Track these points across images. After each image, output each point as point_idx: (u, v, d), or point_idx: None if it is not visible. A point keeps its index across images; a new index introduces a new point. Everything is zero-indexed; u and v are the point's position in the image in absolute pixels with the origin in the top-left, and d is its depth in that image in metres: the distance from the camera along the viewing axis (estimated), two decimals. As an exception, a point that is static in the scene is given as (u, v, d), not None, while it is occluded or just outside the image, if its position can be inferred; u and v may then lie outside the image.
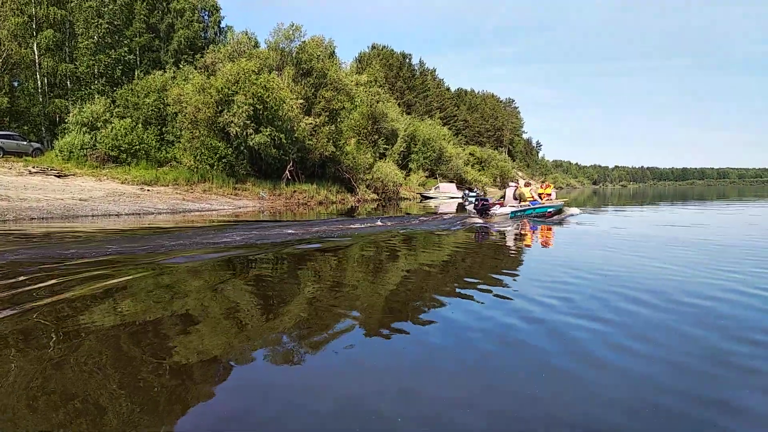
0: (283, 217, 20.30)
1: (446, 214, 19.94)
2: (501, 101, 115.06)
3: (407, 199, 42.32)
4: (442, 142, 60.63)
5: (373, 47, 71.70)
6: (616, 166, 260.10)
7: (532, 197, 18.59)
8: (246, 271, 7.71)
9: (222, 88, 28.79)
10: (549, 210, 18.40)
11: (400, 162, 51.01)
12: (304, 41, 35.24)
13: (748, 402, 3.27)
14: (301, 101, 31.84)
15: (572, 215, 19.08)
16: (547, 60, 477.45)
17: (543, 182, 21.08)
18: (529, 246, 11.23)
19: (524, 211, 17.79)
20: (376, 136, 47.31)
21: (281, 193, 29.82)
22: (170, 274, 7.31)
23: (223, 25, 48.24)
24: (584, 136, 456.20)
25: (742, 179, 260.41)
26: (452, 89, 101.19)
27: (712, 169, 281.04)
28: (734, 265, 8.13)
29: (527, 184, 19.58)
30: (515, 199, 18.64)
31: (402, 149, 51.77)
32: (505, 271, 7.90)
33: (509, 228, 14.48)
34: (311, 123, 31.86)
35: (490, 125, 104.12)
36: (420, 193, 46.92)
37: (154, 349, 4.12)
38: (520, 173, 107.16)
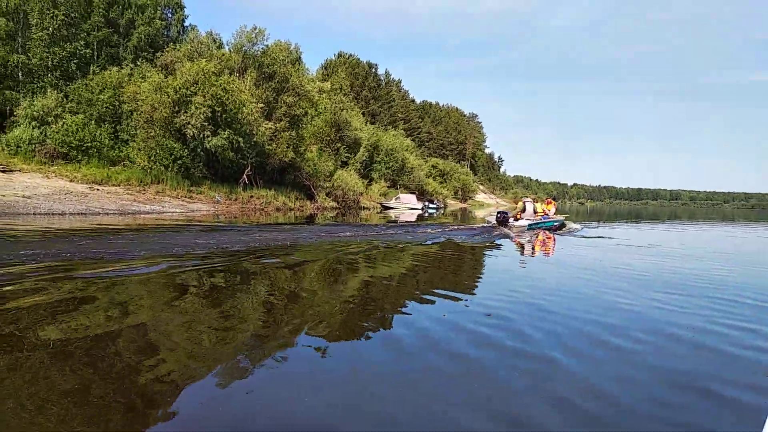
0: (238, 222, 19.86)
1: (475, 226, 21.05)
2: (465, 115, 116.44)
3: (367, 208, 42.17)
4: (405, 153, 60.79)
5: (340, 55, 71.57)
6: (575, 184, 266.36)
7: (544, 212, 20.74)
8: (203, 281, 7.39)
9: (180, 88, 28.17)
10: (555, 224, 20.51)
11: (362, 171, 50.89)
12: (268, 45, 34.90)
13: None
14: (262, 105, 31.46)
15: (575, 230, 20.90)
16: (512, 76, 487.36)
17: (545, 199, 22.63)
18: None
19: (537, 224, 19.59)
20: (339, 144, 47.10)
21: (238, 198, 29.28)
22: (117, 286, 6.83)
23: (186, 23, 47.48)
24: (545, 153, 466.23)
25: (693, 201, 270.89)
26: (417, 101, 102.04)
27: (666, 190, 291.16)
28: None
29: (546, 202, 21.83)
30: (534, 213, 20.40)
31: (364, 158, 51.68)
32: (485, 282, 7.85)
33: (528, 238, 16.39)
34: (271, 128, 31.47)
35: (453, 138, 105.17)
36: (380, 203, 46.86)
37: (103, 368, 3.80)
38: (480, 186, 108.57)
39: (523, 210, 20.07)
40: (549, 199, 22.79)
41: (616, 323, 5.60)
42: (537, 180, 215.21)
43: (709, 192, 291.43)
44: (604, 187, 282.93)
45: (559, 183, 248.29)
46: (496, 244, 14.10)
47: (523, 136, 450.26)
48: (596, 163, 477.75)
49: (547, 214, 20.79)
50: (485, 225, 20.22)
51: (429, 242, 14.09)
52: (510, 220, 19.34)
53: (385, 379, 3.86)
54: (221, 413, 3.22)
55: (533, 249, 13.79)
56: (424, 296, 6.74)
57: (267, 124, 31.39)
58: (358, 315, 5.68)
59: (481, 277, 8.80)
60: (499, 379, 3.85)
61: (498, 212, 20.50)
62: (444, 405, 3.39)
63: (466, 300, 6.59)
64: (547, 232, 18.75)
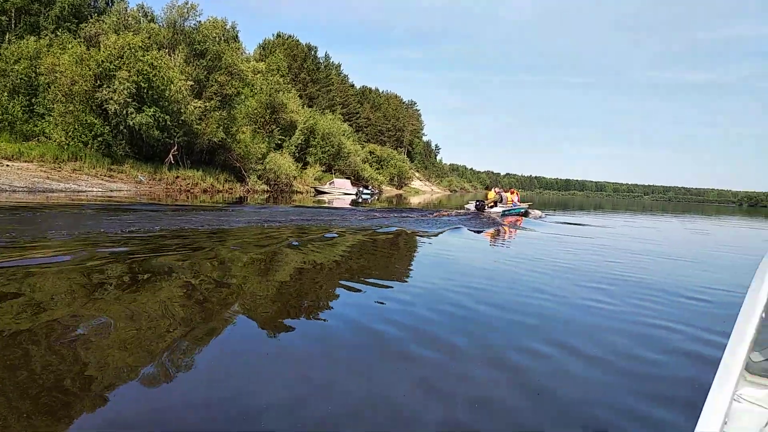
0: (163, 202, 19.22)
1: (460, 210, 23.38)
2: (404, 102, 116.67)
3: (300, 192, 41.81)
4: (342, 137, 60.47)
5: (278, 36, 70.02)
6: (507, 173, 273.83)
7: (513, 201, 23.68)
8: (123, 269, 7.06)
9: (103, 61, 26.85)
10: (522, 210, 23.76)
11: (297, 154, 50.27)
12: (200, 21, 33.75)
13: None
14: (192, 83, 30.43)
15: (539, 216, 23.59)
16: (451, 66, 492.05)
17: (510, 189, 25.67)
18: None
19: (509, 210, 22.70)
20: (274, 127, 46.32)
21: (162, 178, 28.36)
22: (25, 277, 6.18)
23: (116, -6, 45.24)
24: (480, 143, 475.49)
25: (616, 193, 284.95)
26: (357, 86, 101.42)
27: (592, 182, 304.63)
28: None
29: (510, 191, 24.75)
30: (502, 201, 23.15)
31: (300, 142, 51.05)
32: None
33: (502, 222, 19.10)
34: (201, 106, 30.52)
35: (391, 125, 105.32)
36: (314, 188, 46.55)
37: (19, 369, 3.49)
38: (417, 174, 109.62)
39: (500, 200, 22.94)
40: (513, 189, 25.59)
41: (528, 305, 5.87)
42: (472, 169, 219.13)
43: (631, 184, 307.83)
44: (535, 177, 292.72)
45: (492, 172, 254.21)
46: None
47: (460, 125, 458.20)
48: (528, 153, 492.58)
49: (514, 202, 23.80)
50: (468, 211, 22.13)
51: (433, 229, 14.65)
52: (486, 208, 21.96)
53: (315, 362, 3.98)
54: (148, 409, 3.16)
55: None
56: (368, 281, 6.80)
57: (196, 102, 30.43)
58: (291, 302, 5.68)
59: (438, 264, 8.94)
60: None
61: (476, 201, 22.87)
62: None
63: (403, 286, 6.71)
64: (521, 218, 22.23)
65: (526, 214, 23.68)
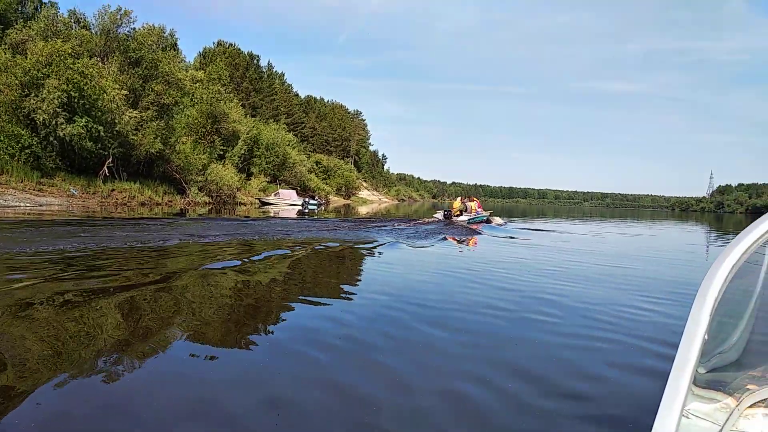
0: (97, 216, 18.23)
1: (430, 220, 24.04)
2: (349, 112, 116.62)
3: (244, 204, 40.90)
4: (287, 147, 59.79)
5: (219, 44, 68.69)
6: (453, 182, 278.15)
7: (475, 210, 24.50)
8: (52, 291, 6.47)
9: (30, 69, 25.50)
10: (484, 218, 24.54)
11: (240, 165, 49.28)
12: (135, 28, 32.61)
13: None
14: (126, 92, 29.27)
15: (499, 224, 24.54)
16: (395, 75, 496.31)
17: (471, 198, 26.32)
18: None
19: (474, 218, 23.63)
20: (216, 137, 45.22)
21: (97, 191, 27.09)
22: None
23: (46, 0, 43.33)
24: (427, 152, 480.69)
25: (558, 199, 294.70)
26: (302, 95, 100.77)
27: (534, 189, 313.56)
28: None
29: (471, 199, 25.50)
30: (467, 210, 24.35)
31: (243, 152, 50.06)
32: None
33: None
34: (137, 117, 29.38)
35: (337, 135, 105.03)
36: (259, 199, 45.67)
37: None
38: (364, 183, 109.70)
39: (465, 209, 24.21)
40: (474, 198, 26.38)
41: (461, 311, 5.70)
42: (419, 178, 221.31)
43: (572, 191, 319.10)
44: (479, 185, 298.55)
45: (439, 181, 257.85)
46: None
47: (407, 135, 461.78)
48: (473, 162, 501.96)
49: (477, 211, 24.68)
50: (439, 220, 23.59)
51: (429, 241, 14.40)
52: (453, 217, 23.50)
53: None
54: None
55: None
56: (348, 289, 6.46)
57: (132, 112, 29.28)
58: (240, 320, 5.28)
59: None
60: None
61: (444, 210, 24.62)
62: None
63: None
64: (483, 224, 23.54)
65: (488, 221, 24.72)
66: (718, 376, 1.64)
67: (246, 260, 9.35)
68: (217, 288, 7.00)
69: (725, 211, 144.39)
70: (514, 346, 4.92)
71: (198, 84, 41.13)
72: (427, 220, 23.89)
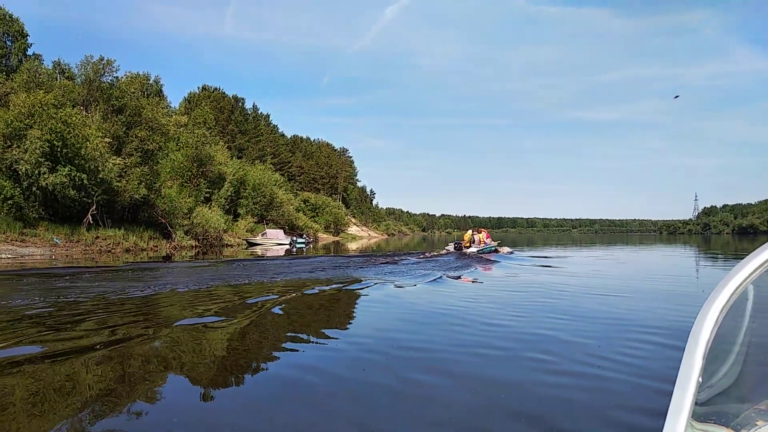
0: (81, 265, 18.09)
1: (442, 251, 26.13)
2: (335, 150, 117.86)
3: (231, 245, 40.79)
4: (274, 187, 60.12)
5: (204, 88, 69.67)
6: (443, 215, 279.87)
7: (484, 242, 25.86)
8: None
9: (12, 120, 25.67)
10: (493, 248, 25.82)
11: (227, 207, 49.38)
12: (117, 77, 33.01)
13: None
14: (110, 140, 29.41)
15: (508, 252, 26.17)
16: (383, 112, 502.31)
17: (479, 230, 27.60)
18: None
19: (483, 249, 24.94)
20: (201, 180, 45.39)
21: (80, 239, 26.94)
22: None
23: (30, 52, 43.89)
24: (415, 186, 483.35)
25: (546, 228, 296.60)
26: (288, 135, 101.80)
27: (523, 218, 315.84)
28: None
29: (479, 231, 26.83)
30: (476, 242, 25.64)
31: (230, 194, 50.24)
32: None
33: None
34: (120, 163, 29.46)
35: (324, 173, 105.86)
36: (246, 239, 45.63)
37: None
38: (353, 219, 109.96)
39: (473, 240, 25.53)
40: (482, 229, 27.79)
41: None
42: (408, 212, 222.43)
43: (560, 219, 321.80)
44: (469, 216, 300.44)
45: (428, 214, 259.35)
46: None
47: (394, 170, 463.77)
48: (460, 194, 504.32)
49: (485, 242, 26.00)
50: (449, 251, 25.11)
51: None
52: (463, 248, 24.83)
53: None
54: None
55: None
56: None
57: (115, 159, 29.36)
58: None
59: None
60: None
61: (455, 243, 26.16)
62: None
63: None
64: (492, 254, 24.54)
65: (496, 251, 25.93)
66: (717, 410, 1.62)
67: (225, 313, 8.49)
68: (194, 344, 6.94)
69: (712, 232, 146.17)
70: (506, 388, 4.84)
71: (182, 128, 41.41)
72: (440, 252, 25.38)
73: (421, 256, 22.67)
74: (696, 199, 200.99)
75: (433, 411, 4.11)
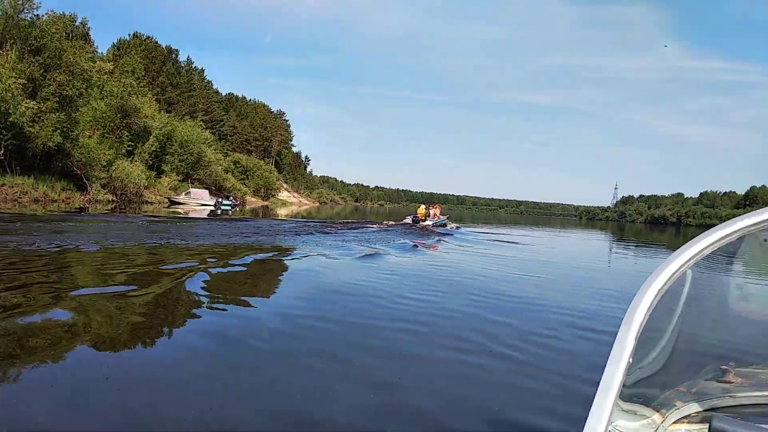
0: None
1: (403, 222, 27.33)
2: (272, 112, 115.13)
3: (151, 203, 39.67)
4: (202, 146, 58.40)
5: (135, 36, 66.04)
6: (377, 187, 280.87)
7: (437, 215, 28.06)
8: None
9: None
10: (442, 222, 27.95)
11: (151, 162, 47.64)
12: (38, 15, 30.98)
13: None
14: (24, 81, 27.70)
15: (454, 227, 28.12)
16: (322, 77, 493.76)
17: (434, 205, 29.70)
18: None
19: (435, 223, 26.96)
20: (125, 132, 43.47)
21: (-16, 185, 25.54)
22: None
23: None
24: (350, 155, 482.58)
25: (475, 206, 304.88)
26: (223, 93, 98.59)
27: (453, 195, 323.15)
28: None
29: (434, 207, 28.93)
30: (430, 216, 27.57)
31: (155, 149, 48.37)
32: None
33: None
34: (34, 107, 27.85)
35: (259, 135, 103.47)
36: (168, 198, 44.40)
37: None
38: (285, 185, 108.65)
39: (428, 215, 27.47)
40: (436, 205, 29.85)
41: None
42: (342, 181, 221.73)
43: (489, 198, 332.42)
44: (402, 190, 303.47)
45: (362, 185, 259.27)
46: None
47: (331, 138, 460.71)
48: (395, 167, 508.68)
49: (438, 216, 28.15)
50: (408, 223, 26.39)
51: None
52: (419, 222, 26.44)
53: None
54: None
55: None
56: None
57: (29, 103, 27.74)
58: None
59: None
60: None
61: (413, 216, 27.26)
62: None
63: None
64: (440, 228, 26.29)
65: (444, 225, 28.05)
66: (642, 391, 1.68)
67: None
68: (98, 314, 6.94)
69: (627, 220, 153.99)
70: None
71: (107, 76, 39.43)
72: (395, 223, 27.12)
73: (380, 225, 25.12)
74: (616, 188, 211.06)
75: (336, 386, 4.17)
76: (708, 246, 1.42)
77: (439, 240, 19.78)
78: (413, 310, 7.06)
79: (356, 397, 3.96)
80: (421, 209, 27.96)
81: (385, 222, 27.54)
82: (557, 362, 5.17)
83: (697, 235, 1.43)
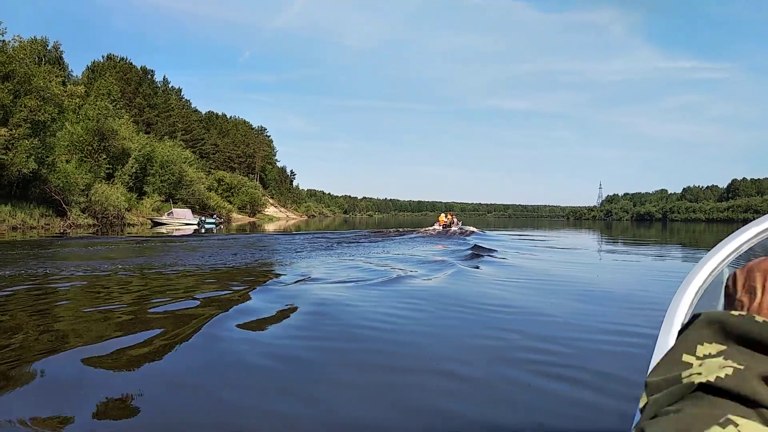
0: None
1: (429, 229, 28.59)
2: (253, 128, 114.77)
3: (134, 225, 39.02)
4: (183, 165, 57.90)
5: (109, 58, 65.55)
6: (364, 197, 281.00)
7: (458, 222, 30.42)
8: None
9: None
10: (463, 229, 28.74)
11: (131, 184, 47.07)
12: (4, 41, 30.46)
13: None
14: (-7, 109, 27.18)
15: (474, 231, 28.09)
16: (303, 92, 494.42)
17: (451, 213, 31.25)
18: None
19: (460, 228, 28.34)
20: (103, 155, 42.90)
21: (-41, 216, 24.88)
22: None
23: None
24: (336, 168, 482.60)
25: (464, 211, 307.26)
26: (202, 111, 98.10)
27: (441, 202, 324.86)
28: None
29: (449, 214, 30.50)
30: (454, 222, 29.75)
31: (135, 170, 47.84)
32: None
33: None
34: (5, 135, 27.30)
35: (241, 151, 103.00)
36: (151, 219, 43.78)
37: None
38: (271, 200, 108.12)
39: (453, 222, 29.59)
40: (450, 213, 31.36)
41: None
42: (330, 194, 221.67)
43: (476, 203, 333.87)
44: (390, 200, 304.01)
45: (350, 196, 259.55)
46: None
47: (316, 151, 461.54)
48: (382, 178, 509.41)
49: (458, 222, 30.59)
50: (438, 231, 27.22)
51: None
52: (445, 229, 27.51)
53: None
54: None
55: None
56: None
57: (0, 130, 27.18)
58: None
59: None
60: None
61: (442, 225, 28.45)
62: None
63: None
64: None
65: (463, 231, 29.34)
66: None
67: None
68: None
69: (613, 218, 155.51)
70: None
71: (78, 99, 38.87)
72: (427, 231, 28.13)
73: (422, 232, 26.96)
74: (600, 188, 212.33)
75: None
76: (744, 243, 1.37)
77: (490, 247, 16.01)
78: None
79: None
80: (442, 217, 29.76)
81: (423, 230, 28.89)
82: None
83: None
